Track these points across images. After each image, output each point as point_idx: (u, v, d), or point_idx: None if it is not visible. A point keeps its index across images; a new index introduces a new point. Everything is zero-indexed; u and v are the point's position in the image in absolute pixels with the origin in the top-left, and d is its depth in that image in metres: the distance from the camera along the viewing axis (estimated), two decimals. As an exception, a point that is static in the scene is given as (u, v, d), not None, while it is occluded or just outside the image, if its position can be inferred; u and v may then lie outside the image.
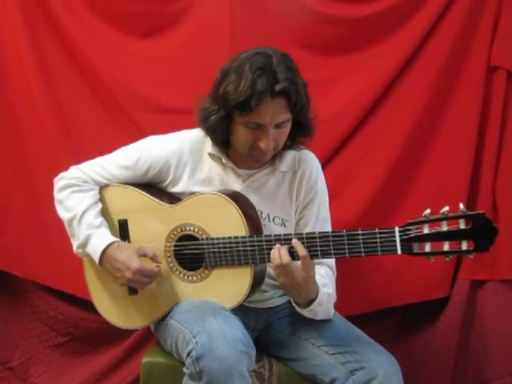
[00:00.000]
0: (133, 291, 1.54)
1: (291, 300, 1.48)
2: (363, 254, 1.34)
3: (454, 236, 1.25)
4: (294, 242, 1.37)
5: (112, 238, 1.49)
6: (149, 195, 1.53)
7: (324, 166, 1.79)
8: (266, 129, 1.42)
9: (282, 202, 1.59)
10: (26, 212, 2.05)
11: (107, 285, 1.55)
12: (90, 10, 1.97)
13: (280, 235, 1.41)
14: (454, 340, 1.97)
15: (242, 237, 1.43)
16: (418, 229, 1.29)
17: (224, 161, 1.55)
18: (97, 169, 1.56)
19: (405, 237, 1.30)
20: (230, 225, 1.44)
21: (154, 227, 1.52)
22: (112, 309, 1.58)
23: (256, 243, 1.42)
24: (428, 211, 1.27)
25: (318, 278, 1.43)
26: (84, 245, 1.49)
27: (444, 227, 1.26)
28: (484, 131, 1.94)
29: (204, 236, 1.47)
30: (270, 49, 1.43)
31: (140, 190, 1.54)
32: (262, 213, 1.56)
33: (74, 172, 1.57)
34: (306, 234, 1.39)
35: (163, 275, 1.51)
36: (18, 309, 2.14)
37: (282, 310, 1.62)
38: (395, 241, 1.31)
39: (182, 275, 1.51)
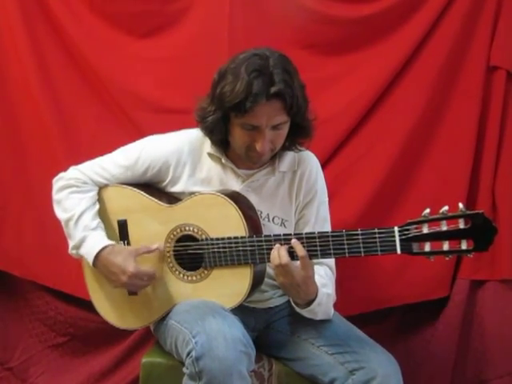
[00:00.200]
0: (132, 292, 1.54)
1: (290, 300, 1.48)
2: (363, 254, 1.34)
3: (453, 236, 1.26)
4: (294, 242, 1.37)
5: (107, 241, 1.49)
6: (148, 195, 1.53)
7: (324, 166, 1.79)
8: (261, 130, 1.42)
9: (281, 202, 1.59)
10: (24, 212, 2.05)
11: (106, 285, 1.54)
12: (90, 10, 1.97)
13: (279, 235, 1.41)
14: (454, 340, 1.97)
15: (241, 237, 1.43)
16: (417, 228, 1.29)
17: (223, 161, 1.55)
18: (96, 169, 1.56)
19: (404, 236, 1.30)
20: (229, 225, 1.44)
21: (154, 227, 1.52)
22: (111, 309, 1.58)
23: (256, 243, 1.42)
24: (427, 211, 1.27)
25: (317, 278, 1.43)
26: (78, 246, 1.49)
27: (443, 227, 1.26)
28: (483, 131, 1.94)
29: (203, 236, 1.47)
30: (268, 50, 1.43)
31: (139, 190, 1.54)
32: (261, 213, 1.56)
33: (73, 173, 1.57)
34: (306, 233, 1.39)
35: (163, 275, 1.51)
36: (18, 309, 2.14)
37: (281, 310, 1.62)
38: (395, 240, 1.31)
39: (181, 275, 1.51)
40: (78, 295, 2.00)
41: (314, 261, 1.42)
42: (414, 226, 1.29)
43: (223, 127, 1.48)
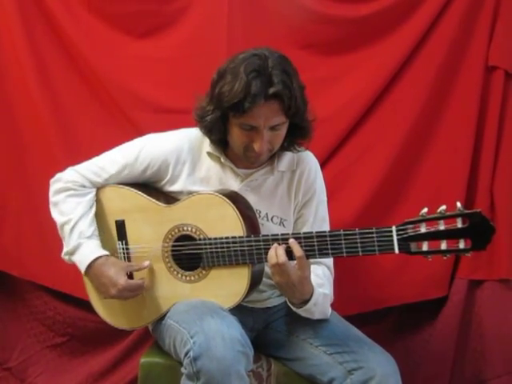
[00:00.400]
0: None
1: (286, 300, 1.47)
2: (361, 254, 1.34)
3: (451, 235, 1.25)
4: (291, 241, 1.37)
5: (101, 252, 1.49)
6: (146, 195, 1.52)
7: (322, 166, 1.79)
8: (259, 131, 1.42)
9: (280, 201, 1.59)
10: (23, 212, 2.05)
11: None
12: (88, 10, 1.97)
13: (277, 235, 1.41)
14: (452, 340, 1.97)
15: (239, 237, 1.43)
16: (415, 228, 1.29)
17: (222, 160, 1.55)
18: (94, 169, 1.56)
19: (402, 236, 1.30)
20: (227, 225, 1.44)
21: (152, 227, 1.52)
22: (110, 309, 1.58)
23: (253, 243, 1.42)
24: (425, 210, 1.27)
25: (313, 278, 1.43)
26: (72, 253, 1.50)
27: (441, 226, 1.26)
28: (482, 131, 1.94)
29: (201, 236, 1.47)
30: (267, 50, 1.43)
31: (137, 191, 1.53)
32: (260, 212, 1.56)
33: (71, 174, 1.56)
34: (304, 233, 1.39)
35: (161, 275, 1.51)
36: (16, 309, 2.14)
37: (280, 309, 1.62)
38: (392, 240, 1.31)
39: (179, 275, 1.50)
40: (76, 295, 2.00)
41: (312, 260, 1.42)
42: (412, 225, 1.29)
43: (222, 127, 1.48)
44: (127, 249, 1.55)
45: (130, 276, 1.50)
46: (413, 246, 1.30)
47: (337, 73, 1.98)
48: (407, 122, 1.95)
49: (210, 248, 1.45)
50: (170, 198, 1.54)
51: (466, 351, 1.98)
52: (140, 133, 1.71)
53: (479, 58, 1.92)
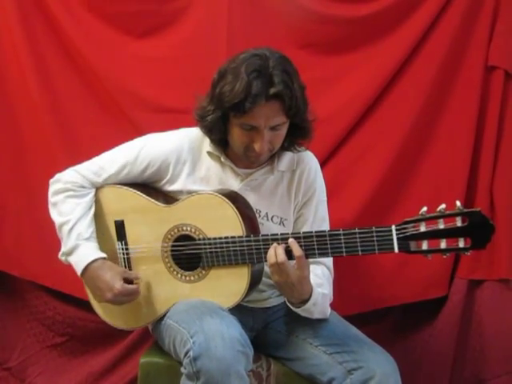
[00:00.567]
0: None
1: (285, 299, 1.47)
2: (360, 253, 1.34)
3: (450, 234, 1.25)
4: (291, 241, 1.37)
5: (98, 254, 1.49)
6: (145, 195, 1.52)
7: (322, 166, 1.79)
8: (260, 131, 1.42)
9: (280, 200, 1.59)
10: (23, 212, 2.05)
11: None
12: (88, 10, 1.97)
13: (277, 234, 1.41)
14: (452, 339, 1.97)
15: (239, 237, 1.43)
16: (414, 227, 1.28)
17: (223, 159, 1.55)
18: (94, 168, 1.56)
19: (402, 235, 1.30)
20: (226, 225, 1.44)
21: (151, 228, 1.52)
22: (109, 309, 1.57)
23: (253, 243, 1.42)
24: (425, 209, 1.27)
25: (313, 277, 1.43)
26: (69, 253, 1.50)
27: (441, 225, 1.26)
28: (482, 131, 1.94)
29: (201, 236, 1.47)
30: (268, 50, 1.43)
31: (136, 191, 1.53)
32: (260, 212, 1.56)
33: (70, 175, 1.56)
34: (303, 233, 1.39)
35: (161, 275, 1.51)
36: (16, 309, 2.14)
37: (279, 309, 1.62)
38: (392, 239, 1.30)
39: (179, 275, 1.50)
40: (76, 295, 2.00)
41: (311, 260, 1.42)
42: (412, 224, 1.29)
43: (222, 126, 1.48)
44: (126, 249, 1.55)
45: (128, 281, 1.49)
46: (412, 245, 1.30)
47: (336, 73, 1.98)
48: (407, 121, 1.95)
49: (210, 248, 1.45)
50: (169, 198, 1.54)
51: (465, 351, 1.98)
52: (140, 132, 1.71)
53: (479, 58, 1.92)
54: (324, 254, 1.38)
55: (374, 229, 1.32)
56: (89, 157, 1.60)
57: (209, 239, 1.46)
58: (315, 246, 1.37)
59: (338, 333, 1.51)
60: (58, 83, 2.00)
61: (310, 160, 1.63)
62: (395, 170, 1.96)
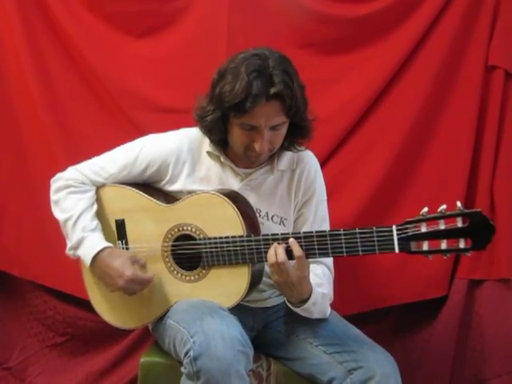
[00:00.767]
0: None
1: (285, 299, 1.47)
2: (361, 253, 1.34)
3: (451, 234, 1.25)
4: (291, 241, 1.37)
5: (106, 243, 1.48)
6: (146, 195, 1.52)
7: (322, 166, 1.79)
8: (260, 131, 1.42)
9: (280, 200, 1.59)
10: (23, 211, 2.05)
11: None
12: (88, 10, 1.97)
13: (277, 234, 1.41)
14: (452, 339, 1.97)
15: (239, 236, 1.43)
16: (415, 227, 1.29)
17: (222, 159, 1.55)
18: (94, 168, 1.56)
19: (402, 235, 1.30)
20: (227, 224, 1.44)
21: (152, 227, 1.52)
22: (110, 309, 1.58)
23: (253, 243, 1.42)
24: (425, 210, 1.27)
25: (313, 277, 1.43)
26: (76, 247, 1.49)
27: (441, 225, 1.26)
28: (482, 130, 1.94)
29: (201, 236, 1.47)
30: (267, 50, 1.43)
31: (137, 190, 1.53)
32: (260, 211, 1.56)
33: (71, 173, 1.57)
34: (304, 233, 1.39)
35: (161, 275, 1.51)
36: (16, 309, 2.14)
37: (279, 309, 1.62)
38: (393, 239, 1.31)
39: (179, 275, 1.50)
40: (76, 295, 2.00)
41: (312, 260, 1.42)
42: (412, 224, 1.29)
43: (222, 126, 1.48)
44: (127, 248, 1.54)
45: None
46: (413, 246, 1.30)
47: (336, 72, 1.98)
48: (407, 121, 1.95)
49: (210, 248, 1.45)
50: (170, 198, 1.54)
51: (465, 351, 1.98)
52: (140, 132, 1.71)
53: (479, 58, 1.92)
54: (324, 254, 1.38)
55: (374, 229, 1.32)
56: (89, 157, 1.60)
57: (209, 239, 1.46)
58: (316, 246, 1.37)
59: (338, 332, 1.51)
60: (58, 83, 2.00)
61: (309, 159, 1.63)
62: (395, 169, 1.96)
